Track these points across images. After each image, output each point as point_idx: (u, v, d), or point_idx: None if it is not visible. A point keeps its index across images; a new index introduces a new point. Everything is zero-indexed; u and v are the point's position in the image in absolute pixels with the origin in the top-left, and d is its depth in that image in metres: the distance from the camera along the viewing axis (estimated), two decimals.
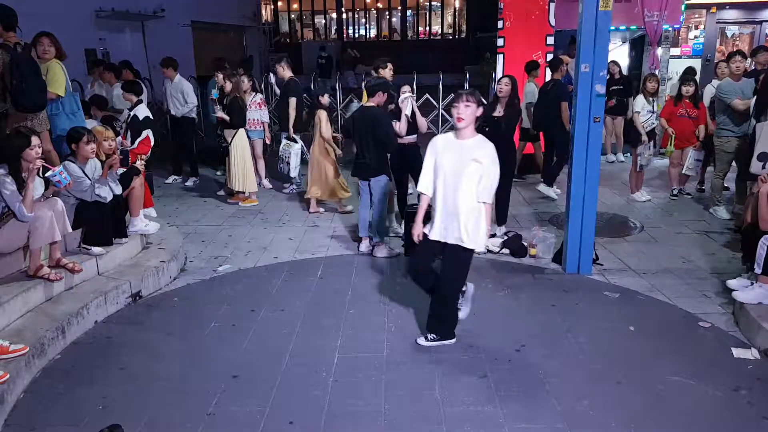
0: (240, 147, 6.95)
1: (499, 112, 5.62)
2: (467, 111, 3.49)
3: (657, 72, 8.95)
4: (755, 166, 5.05)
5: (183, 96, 8.08)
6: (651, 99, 7.18)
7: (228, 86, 7.05)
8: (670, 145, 7.00)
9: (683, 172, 7.08)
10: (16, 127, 4.30)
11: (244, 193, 7.17)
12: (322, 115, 6.60)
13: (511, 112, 5.56)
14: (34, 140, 4.08)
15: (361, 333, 3.99)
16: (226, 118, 6.94)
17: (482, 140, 3.61)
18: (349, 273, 5.01)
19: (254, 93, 7.68)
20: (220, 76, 7.34)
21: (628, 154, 8.61)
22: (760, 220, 4.10)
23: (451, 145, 3.60)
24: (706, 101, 6.66)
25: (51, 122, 5.07)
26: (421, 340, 3.82)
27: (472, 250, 3.60)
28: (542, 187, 7.31)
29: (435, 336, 3.79)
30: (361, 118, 5.32)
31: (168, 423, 3.08)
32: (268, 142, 7.86)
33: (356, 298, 4.53)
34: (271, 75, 9.34)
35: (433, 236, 3.64)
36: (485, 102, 3.76)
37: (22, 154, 4.02)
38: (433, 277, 3.75)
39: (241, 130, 7.00)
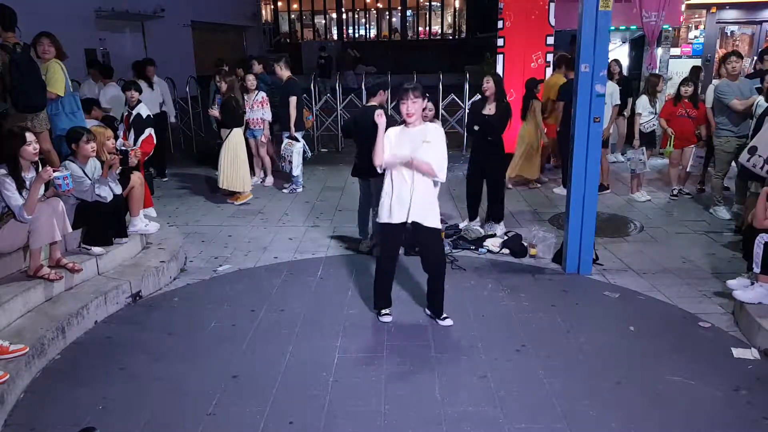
0: (232, 146, 6.94)
1: (489, 110, 5.63)
2: (415, 106, 3.75)
3: (655, 72, 8.95)
4: (743, 156, 5.06)
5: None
6: (655, 100, 7.18)
7: (223, 86, 7.07)
8: (670, 145, 7.01)
9: (688, 170, 7.10)
10: (9, 128, 4.30)
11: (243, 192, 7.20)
12: (537, 105, 7.42)
13: (502, 109, 5.59)
14: (29, 137, 4.07)
15: (360, 333, 3.99)
16: (217, 115, 6.99)
17: (428, 125, 3.89)
18: (349, 273, 5.01)
19: (257, 91, 7.70)
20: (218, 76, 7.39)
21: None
22: (756, 219, 4.11)
23: (403, 136, 3.85)
24: (710, 101, 6.67)
25: (51, 122, 5.07)
26: (448, 322, 4.07)
27: (439, 228, 3.98)
28: (559, 189, 7.34)
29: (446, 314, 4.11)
30: (363, 118, 5.32)
31: (168, 423, 3.08)
32: (263, 140, 7.84)
33: (356, 298, 4.53)
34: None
35: (395, 219, 3.86)
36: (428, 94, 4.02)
37: (20, 153, 4.02)
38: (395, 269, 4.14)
39: (237, 130, 6.99)
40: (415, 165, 3.72)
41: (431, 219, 3.88)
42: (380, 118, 3.79)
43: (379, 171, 3.94)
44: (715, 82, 7.06)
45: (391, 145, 3.84)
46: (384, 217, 3.93)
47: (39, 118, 4.82)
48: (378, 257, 4.21)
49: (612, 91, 7.08)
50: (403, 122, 3.89)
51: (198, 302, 4.52)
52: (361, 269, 5.09)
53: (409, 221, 3.86)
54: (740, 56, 6.33)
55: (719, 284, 4.62)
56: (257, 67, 8.18)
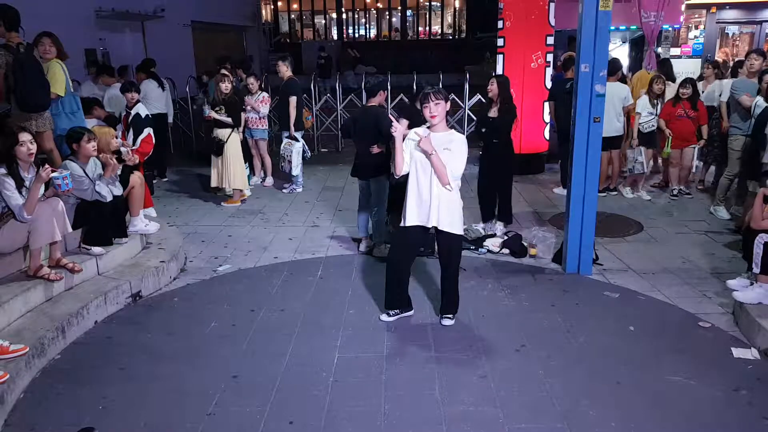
0: (234, 147, 6.96)
1: (494, 112, 5.66)
2: (438, 108, 3.71)
3: (651, 71, 8.95)
4: None
5: None
6: (655, 101, 7.17)
7: (224, 87, 7.09)
8: (667, 146, 7.02)
9: (694, 170, 7.13)
10: (5, 127, 4.30)
11: (241, 191, 7.20)
12: None
13: (505, 111, 5.58)
14: (23, 137, 4.04)
15: (361, 333, 3.99)
16: (219, 118, 6.97)
17: (452, 133, 3.86)
18: (349, 273, 5.01)
19: (260, 92, 7.72)
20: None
21: None
22: (753, 219, 4.12)
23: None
24: (725, 97, 6.65)
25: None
26: (447, 322, 4.09)
27: (461, 234, 3.96)
28: (559, 190, 7.35)
29: (452, 315, 4.11)
30: (362, 118, 5.32)
31: (168, 423, 3.08)
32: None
33: (356, 298, 4.53)
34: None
35: (410, 222, 3.85)
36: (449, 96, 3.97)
37: (14, 153, 4.01)
38: (407, 272, 4.11)
39: (234, 132, 6.98)
40: (433, 160, 3.67)
41: (456, 225, 3.84)
42: (396, 131, 3.73)
43: (396, 177, 3.94)
44: (723, 81, 7.06)
45: (412, 143, 3.79)
46: (404, 220, 3.89)
47: (43, 117, 4.84)
48: (390, 259, 4.11)
49: (626, 94, 7.07)
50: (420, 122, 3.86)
51: (198, 302, 4.52)
52: (361, 269, 5.09)
53: (433, 226, 3.81)
54: (762, 54, 6.26)
55: (719, 284, 4.62)
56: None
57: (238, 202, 7.16)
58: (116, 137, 5.41)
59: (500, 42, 8.01)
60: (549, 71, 8.08)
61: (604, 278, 4.87)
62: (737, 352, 3.69)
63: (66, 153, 4.86)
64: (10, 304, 3.80)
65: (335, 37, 28.58)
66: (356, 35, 29.28)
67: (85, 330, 4.05)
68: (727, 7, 11.46)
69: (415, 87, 9.70)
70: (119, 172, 4.98)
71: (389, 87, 8.55)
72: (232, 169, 6.98)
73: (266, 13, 28.10)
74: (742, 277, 4.39)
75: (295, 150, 7.49)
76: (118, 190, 4.91)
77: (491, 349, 3.76)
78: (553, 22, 7.89)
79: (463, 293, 4.28)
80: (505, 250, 5.41)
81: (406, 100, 9.98)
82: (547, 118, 8.21)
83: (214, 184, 7.15)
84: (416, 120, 4.67)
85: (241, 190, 7.20)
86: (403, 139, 3.81)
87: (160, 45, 14.78)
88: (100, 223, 4.72)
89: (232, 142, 6.95)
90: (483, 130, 5.79)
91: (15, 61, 4.51)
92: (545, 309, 4.31)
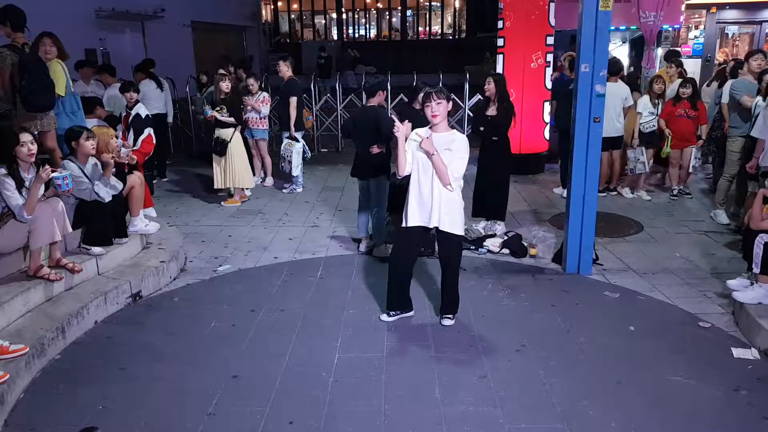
0: (237, 146, 6.97)
1: (492, 111, 5.67)
2: (440, 108, 3.72)
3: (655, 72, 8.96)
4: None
5: None
6: (656, 101, 7.15)
7: (224, 86, 7.09)
8: (667, 146, 7.01)
9: (690, 170, 7.12)
10: (5, 127, 4.30)
11: (242, 191, 7.20)
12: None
13: (503, 110, 5.59)
14: (24, 137, 4.04)
15: (361, 333, 3.99)
16: (220, 118, 6.94)
17: (454, 133, 3.86)
18: (349, 273, 5.01)
19: (260, 92, 7.73)
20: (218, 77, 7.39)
21: None
22: (752, 220, 4.12)
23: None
24: (726, 99, 6.65)
25: None
26: (447, 322, 4.09)
27: (462, 235, 3.96)
28: (559, 190, 7.36)
29: (452, 315, 4.12)
30: (362, 118, 5.32)
31: (168, 423, 3.08)
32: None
33: (356, 298, 4.53)
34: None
35: (411, 222, 3.86)
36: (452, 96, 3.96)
37: (14, 153, 4.01)
38: (409, 273, 4.11)
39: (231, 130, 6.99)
40: (434, 160, 3.67)
41: (457, 226, 3.85)
42: (399, 131, 3.73)
43: (398, 178, 3.95)
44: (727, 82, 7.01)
45: (414, 144, 3.80)
46: (405, 221, 3.90)
47: (48, 117, 4.86)
48: (392, 260, 4.11)
49: (626, 94, 7.06)
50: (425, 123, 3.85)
51: (198, 302, 4.52)
52: (361, 269, 5.09)
53: (434, 227, 3.82)
54: (766, 55, 6.26)
55: (719, 284, 4.62)
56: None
57: (239, 202, 7.16)
58: (116, 137, 5.41)
59: (500, 42, 8.01)
60: (549, 71, 8.08)
61: (604, 278, 4.87)
62: (737, 352, 3.69)
63: (66, 153, 4.86)
64: (10, 304, 3.80)
65: (335, 37, 28.58)
66: (356, 35, 29.28)
67: (85, 330, 4.05)
68: (727, 7, 11.46)
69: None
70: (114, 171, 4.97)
71: (389, 87, 8.56)
72: (237, 168, 6.98)
73: (266, 13, 28.11)
74: (742, 277, 4.39)
75: (295, 150, 7.50)
76: (119, 186, 4.90)
77: (491, 349, 3.76)
78: (553, 22, 7.89)
79: (463, 293, 4.29)
80: (505, 250, 5.41)
81: (406, 99, 10.01)
82: (547, 118, 8.21)
83: (217, 185, 7.12)
84: (413, 121, 4.67)
85: (243, 189, 7.21)
86: (405, 140, 3.82)
87: (160, 45, 14.79)
88: (100, 223, 4.72)
89: (236, 141, 6.95)
90: (481, 128, 5.80)
91: (20, 62, 4.52)
92: (545, 309, 4.31)
